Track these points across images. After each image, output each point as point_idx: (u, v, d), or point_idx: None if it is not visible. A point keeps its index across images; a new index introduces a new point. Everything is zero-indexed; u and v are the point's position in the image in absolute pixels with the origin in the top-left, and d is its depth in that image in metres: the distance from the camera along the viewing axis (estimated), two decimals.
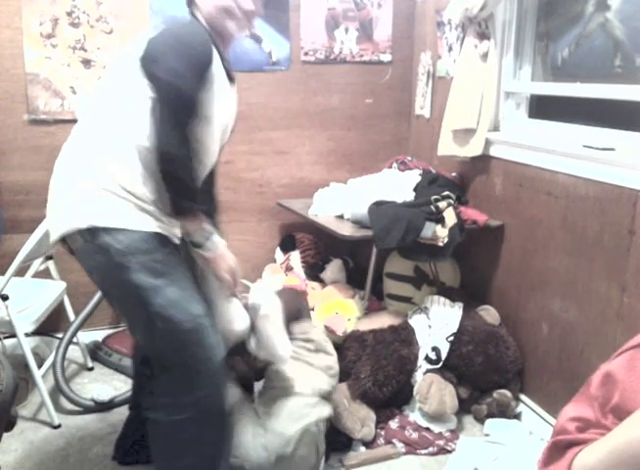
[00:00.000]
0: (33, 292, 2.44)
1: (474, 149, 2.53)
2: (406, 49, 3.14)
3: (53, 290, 2.53)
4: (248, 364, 2.12)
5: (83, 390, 2.55)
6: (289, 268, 2.93)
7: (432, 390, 2.23)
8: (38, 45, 2.67)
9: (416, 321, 2.43)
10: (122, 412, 2.34)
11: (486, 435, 2.26)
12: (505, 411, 2.33)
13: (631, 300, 1.86)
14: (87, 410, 2.41)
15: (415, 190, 2.61)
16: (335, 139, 3.15)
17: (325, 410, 1.97)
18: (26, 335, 2.29)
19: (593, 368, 1.00)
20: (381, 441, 2.22)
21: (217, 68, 1.61)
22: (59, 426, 2.31)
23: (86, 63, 2.75)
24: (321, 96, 3.08)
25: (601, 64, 2.12)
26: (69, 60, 2.72)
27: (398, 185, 2.63)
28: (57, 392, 2.44)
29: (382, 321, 2.43)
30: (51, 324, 2.73)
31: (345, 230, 2.44)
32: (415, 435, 2.23)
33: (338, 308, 2.52)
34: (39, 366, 2.33)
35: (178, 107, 1.49)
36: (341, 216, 2.62)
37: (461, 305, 2.45)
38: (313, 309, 2.60)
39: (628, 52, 2.00)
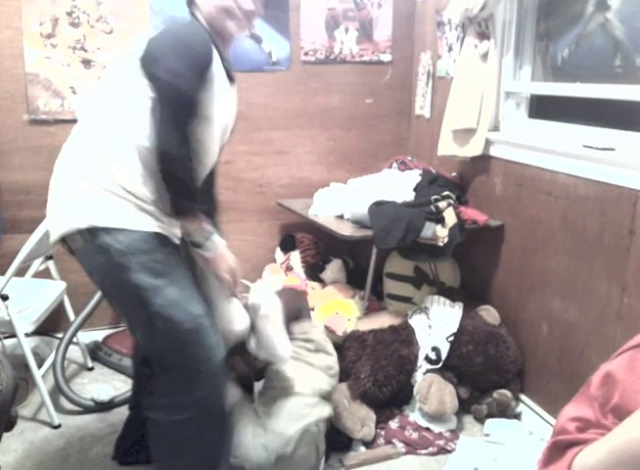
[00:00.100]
0: (33, 292, 2.44)
1: (474, 149, 2.53)
2: (406, 49, 3.14)
3: (53, 290, 2.53)
4: (248, 364, 2.12)
5: (83, 390, 2.55)
6: (289, 268, 2.93)
7: (432, 390, 2.23)
8: (38, 45, 2.67)
9: (416, 321, 2.43)
10: (122, 412, 2.34)
11: (486, 435, 2.26)
12: (505, 411, 2.33)
13: (631, 300, 1.86)
14: (87, 410, 2.41)
15: (415, 190, 2.61)
16: (335, 139, 3.15)
17: (325, 410, 1.97)
18: (26, 335, 2.29)
19: (593, 368, 1.00)
20: (381, 441, 2.22)
21: (217, 68, 1.61)
22: (59, 426, 2.31)
23: (86, 63, 2.75)
24: (321, 96, 3.08)
25: (601, 64, 2.12)
26: (70, 60, 2.72)
27: (398, 185, 2.63)
28: (57, 392, 2.44)
29: (382, 321, 2.43)
30: (51, 324, 2.73)
31: (345, 230, 2.44)
32: (415, 435, 2.23)
33: (338, 308, 2.52)
34: (39, 366, 2.33)
35: (178, 107, 1.49)
36: (341, 216, 2.62)
37: (461, 304, 2.45)
38: (313, 309, 2.60)
39: (628, 52, 2.00)
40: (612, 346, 1.93)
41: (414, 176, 2.70)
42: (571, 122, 2.24)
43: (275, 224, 3.13)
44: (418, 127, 3.16)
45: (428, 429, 2.25)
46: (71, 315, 2.68)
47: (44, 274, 2.61)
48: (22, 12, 2.63)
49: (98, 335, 2.93)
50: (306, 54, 3.01)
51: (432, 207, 2.38)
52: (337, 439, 2.12)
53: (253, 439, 1.86)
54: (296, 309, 2.15)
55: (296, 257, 2.96)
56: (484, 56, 2.46)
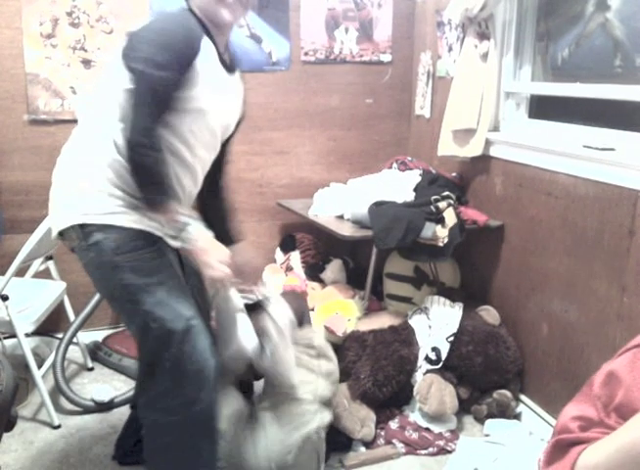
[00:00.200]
0: (33, 292, 2.44)
1: (474, 149, 2.53)
2: (406, 49, 3.14)
3: (53, 290, 2.53)
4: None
5: (83, 390, 2.55)
6: (289, 268, 2.93)
7: (432, 390, 2.23)
8: (38, 45, 2.67)
9: (416, 321, 2.43)
10: (122, 412, 2.34)
11: (486, 435, 2.26)
12: (505, 411, 2.33)
13: (631, 300, 1.86)
14: (87, 410, 2.40)
15: (415, 190, 2.61)
16: (335, 139, 3.15)
17: (325, 417, 1.96)
18: (26, 335, 2.29)
19: (593, 368, 1.00)
20: (381, 441, 2.22)
21: (209, 58, 1.60)
22: (59, 426, 2.31)
23: (86, 63, 2.75)
24: (321, 96, 3.08)
25: (601, 64, 2.12)
26: (70, 60, 2.72)
27: (398, 185, 2.63)
28: (57, 392, 2.44)
29: (382, 321, 2.43)
30: (51, 324, 2.73)
31: (345, 230, 2.44)
32: (415, 435, 2.23)
33: (338, 309, 2.52)
34: (39, 366, 2.33)
35: (149, 96, 1.48)
36: (341, 217, 2.62)
37: (461, 305, 2.45)
38: (313, 310, 2.60)
39: (628, 52, 2.00)
40: (612, 346, 1.93)
41: (414, 176, 2.70)
42: (571, 122, 2.24)
43: (275, 224, 3.13)
44: (418, 127, 3.16)
45: (428, 429, 2.25)
46: (71, 315, 2.68)
47: (44, 274, 2.61)
48: (22, 12, 2.63)
49: (98, 335, 2.93)
50: (306, 54, 3.01)
51: (432, 207, 2.38)
52: (337, 439, 2.12)
53: (254, 447, 1.86)
54: (299, 314, 2.14)
55: (296, 257, 2.96)
56: (484, 56, 2.46)
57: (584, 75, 2.19)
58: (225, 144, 1.86)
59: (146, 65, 1.47)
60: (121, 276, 1.57)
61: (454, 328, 2.32)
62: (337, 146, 3.16)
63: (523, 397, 2.40)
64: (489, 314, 2.44)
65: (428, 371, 2.29)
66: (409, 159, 2.90)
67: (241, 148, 2.94)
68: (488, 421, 2.31)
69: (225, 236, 1.89)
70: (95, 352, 2.82)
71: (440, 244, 2.33)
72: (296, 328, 2.01)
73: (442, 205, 2.39)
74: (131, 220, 1.58)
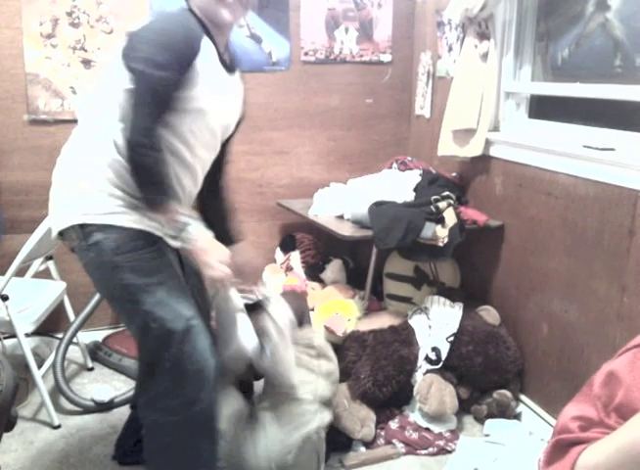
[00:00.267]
0: (33, 292, 2.44)
1: (474, 149, 2.53)
2: (406, 49, 3.14)
3: (53, 290, 2.53)
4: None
5: (83, 390, 2.55)
6: (289, 269, 2.93)
7: (432, 390, 2.23)
8: (38, 45, 2.67)
9: (416, 321, 2.43)
10: (122, 412, 2.34)
11: (486, 435, 2.26)
12: (505, 411, 2.33)
13: (631, 300, 1.86)
14: (87, 410, 2.40)
15: (415, 190, 2.61)
16: (335, 139, 3.15)
17: (325, 417, 1.96)
18: (26, 335, 2.29)
19: (593, 368, 1.00)
20: (381, 441, 2.22)
21: (209, 58, 1.60)
22: (59, 426, 2.31)
23: (86, 63, 2.75)
24: (321, 96, 3.08)
25: (601, 64, 2.12)
26: (70, 60, 2.72)
27: (398, 185, 2.63)
28: (57, 392, 2.44)
29: (382, 321, 2.43)
30: (51, 324, 2.73)
31: (345, 230, 2.44)
32: (415, 435, 2.23)
33: (338, 309, 2.52)
34: (39, 366, 2.33)
35: (148, 96, 1.48)
36: (341, 217, 2.62)
37: (461, 305, 2.45)
38: (313, 310, 2.60)
39: (628, 52, 2.00)
40: (612, 346, 1.93)
41: (414, 176, 2.70)
42: (571, 122, 2.24)
43: (275, 224, 3.13)
44: (418, 127, 3.16)
45: (428, 429, 2.25)
46: (71, 315, 2.68)
47: (44, 274, 2.61)
48: (22, 12, 2.63)
49: (98, 335, 2.93)
50: (306, 54, 3.01)
51: (432, 207, 2.38)
52: (337, 439, 2.12)
53: (254, 447, 1.86)
54: (299, 314, 2.13)
55: (296, 257, 2.96)
56: (484, 56, 2.46)
57: (584, 75, 2.19)
58: (225, 144, 1.86)
59: (146, 65, 1.47)
60: (121, 276, 1.57)
61: (454, 328, 2.32)
62: (337, 146, 3.16)
63: (523, 397, 2.40)
64: (489, 314, 2.44)
65: (428, 371, 2.29)
66: (409, 159, 2.90)
67: (241, 148, 2.94)
68: (488, 421, 2.31)
69: (225, 236, 1.89)
70: (95, 352, 2.82)
71: (440, 244, 2.33)
72: (296, 328, 2.01)
73: (442, 205, 2.39)
74: (131, 220, 1.58)
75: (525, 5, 2.45)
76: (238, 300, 1.84)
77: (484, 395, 2.35)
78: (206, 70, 1.58)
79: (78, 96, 2.75)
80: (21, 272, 2.35)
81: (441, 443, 2.21)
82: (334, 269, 2.87)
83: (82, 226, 1.58)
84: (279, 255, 3.05)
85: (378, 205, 2.44)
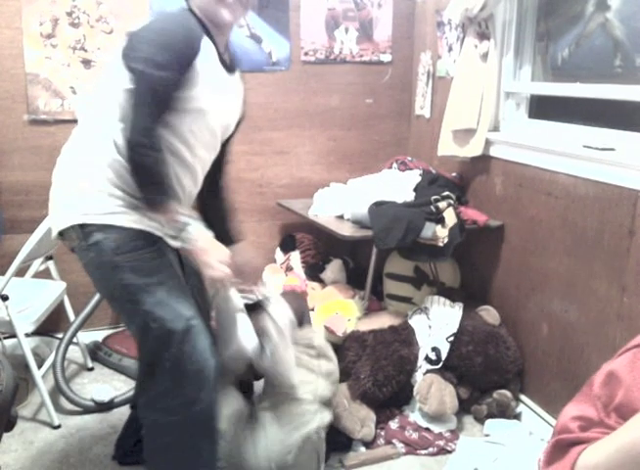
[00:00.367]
0: (33, 292, 2.44)
1: (474, 149, 2.53)
2: (406, 49, 3.14)
3: (53, 290, 2.53)
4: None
5: (83, 390, 2.55)
6: (289, 269, 2.93)
7: (432, 390, 2.23)
8: (38, 45, 2.67)
9: (416, 321, 2.43)
10: (122, 412, 2.34)
11: (486, 435, 2.26)
12: (505, 411, 2.33)
13: (631, 300, 1.86)
14: (87, 410, 2.40)
15: (415, 190, 2.61)
16: (335, 139, 3.15)
17: (325, 417, 1.96)
18: (26, 335, 2.29)
19: (593, 368, 1.00)
20: (381, 441, 2.22)
21: (209, 58, 1.60)
22: (59, 426, 2.31)
23: (86, 63, 2.75)
24: (321, 96, 3.08)
25: (601, 64, 2.12)
26: (70, 60, 2.72)
27: (398, 185, 2.63)
28: (57, 392, 2.44)
29: (382, 321, 2.43)
30: (51, 324, 2.73)
31: (345, 230, 2.44)
32: (415, 435, 2.23)
33: (338, 309, 2.52)
34: (39, 366, 2.33)
35: (148, 96, 1.48)
36: (341, 217, 2.62)
37: (461, 305, 2.45)
38: (313, 310, 2.60)
39: (628, 52, 2.00)
40: (612, 346, 1.93)
41: (414, 176, 2.70)
42: (571, 122, 2.24)
43: (275, 224, 3.13)
44: (418, 127, 3.16)
45: (428, 429, 2.25)
46: (71, 315, 2.68)
47: (44, 274, 2.61)
48: (22, 12, 2.63)
49: (98, 335, 2.93)
50: (306, 54, 3.01)
51: (432, 207, 2.38)
52: (337, 439, 2.12)
53: (254, 447, 1.86)
54: (299, 314, 2.13)
55: (295, 257, 2.96)
56: (484, 56, 2.46)
57: (584, 75, 2.19)
58: (225, 144, 1.86)
59: (146, 65, 1.47)
60: (121, 276, 1.57)
61: (454, 328, 2.32)
62: (337, 146, 3.16)
63: (523, 397, 2.40)
64: (489, 314, 2.44)
65: (428, 371, 2.29)
66: (409, 159, 2.90)
67: (241, 148, 2.94)
68: (488, 421, 2.31)
69: (225, 236, 1.89)
70: (95, 352, 2.82)
71: (440, 244, 2.33)
72: (296, 328, 2.01)
73: (442, 205, 2.39)
74: (131, 220, 1.58)
75: (525, 5, 2.45)
76: (238, 300, 1.84)
77: (484, 395, 2.35)
78: (206, 70, 1.58)
79: (78, 96, 2.75)
80: (21, 272, 2.35)
81: (441, 443, 2.21)
82: (334, 269, 2.87)
83: (82, 226, 1.58)
84: (279, 255, 3.05)
85: (378, 205, 2.44)
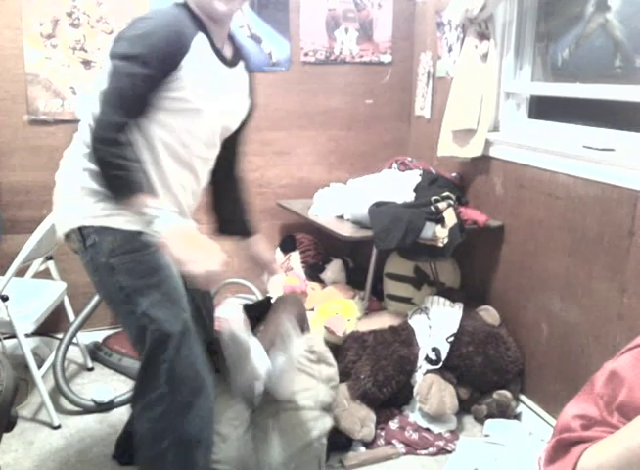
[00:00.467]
0: (33, 292, 2.44)
1: (474, 149, 2.53)
2: (406, 49, 3.14)
3: (53, 290, 2.53)
4: None
5: (83, 390, 2.55)
6: (289, 269, 2.93)
7: (432, 390, 2.23)
8: (38, 45, 2.67)
9: (416, 322, 2.43)
10: (122, 413, 2.34)
11: (486, 435, 2.26)
12: (505, 412, 2.33)
13: (631, 300, 1.86)
14: (87, 411, 2.40)
15: (415, 190, 2.61)
16: (335, 139, 3.15)
17: (327, 423, 1.95)
18: (26, 335, 2.29)
19: (593, 368, 1.00)
20: (381, 441, 2.22)
21: (202, 57, 1.56)
22: (59, 426, 2.31)
23: (86, 63, 2.75)
24: (321, 96, 3.08)
25: (601, 64, 2.12)
26: (70, 60, 2.72)
27: (398, 185, 2.63)
28: (57, 392, 2.44)
29: (382, 322, 2.43)
30: (51, 324, 2.73)
31: (346, 231, 2.44)
32: (415, 435, 2.23)
33: (338, 309, 2.52)
34: (39, 367, 2.33)
35: (117, 91, 1.46)
36: (341, 217, 2.62)
37: (461, 305, 2.45)
38: (313, 310, 2.60)
39: (628, 52, 2.00)
40: (612, 346, 1.93)
41: (414, 177, 2.70)
42: (571, 123, 2.24)
43: (275, 225, 3.13)
44: (418, 128, 3.16)
45: (428, 429, 2.25)
46: (71, 316, 2.68)
47: (44, 275, 2.61)
48: (22, 12, 2.62)
49: (98, 335, 2.93)
50: (306, 54, 3.01)
51: (432, 207, 2.38)
52: (337, 439, 2.12)
53: (256, 455, 1.85)
54: (300, 320, 2.12)
55: (296, 257, 2.96)
56: (484, 56, 2.46)
57: (584, 76, 2.19)
58: (236, 136, 1.83)
59: (120, 60, 1.47)
60: (117, 278, 1.57)
61: (454, 328, 2.32)
62: (337, 146, 3.16)
63: (523, 397, 2.40)
64: (489, 315, 2.44)
65: (428, 371, 2.29)
66: (409, 159, 2.90)
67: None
68: (488, 421, 2.31)
69: (242, 228, 1.90)
70: (95, 352, 2.82)
71: (440, 244, 2.33)
72: (299, 335, 2.01)
73: (442, 205, 2.40)
74: (127, 222, 1.56)
75: (525, 5, 2.45)
76: (244, 333, 1.83)
77: (484, 395, 2.35)
78: (199, 70, 1.55)
79: (78, 96, 2.75)
80: (21, 272, 2.35)
81: (441, 443, 2.21)
82: (334, 269, 2.88)
83: (81, 229, 1.58)
84: (279, 255, 3.05)
85: (378, 205, 2.44)
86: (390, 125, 3.21)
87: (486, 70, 2.45)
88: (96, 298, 2.64)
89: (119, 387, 2.58)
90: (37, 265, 2.56)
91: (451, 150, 2.63)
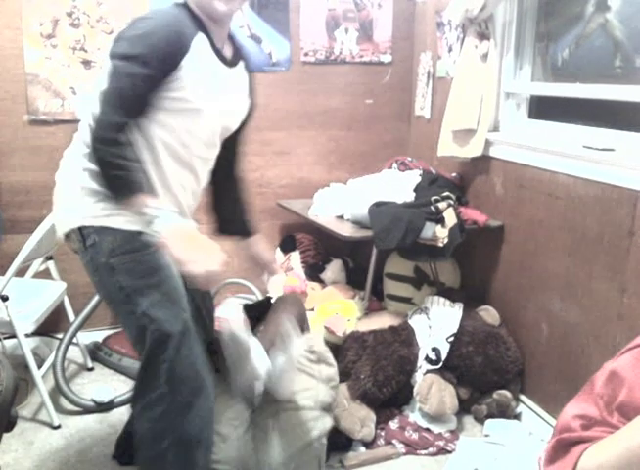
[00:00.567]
0: (33, 292, 2.44)
1: (474, 149, 2.53)
2: (406, 49, 3.14)
3: (53, 290, 2.53)
4: None
5: (83, 390, 2.55)
6: (289, 269, 2.93)
7: (432, 390, 2.23)
8: (38, 45, 2.67)
9: (416, 322, 2.43)
10: (122, 412, 2.34)
11: (486, 435, 2.26)
12: (505, 412, 2.33)
13: (631, 300, 1.86)
14: (87, 411, 2.40)
15: (415, 190, 2.61)
16: (335, 139, 3.15)
17: (327, 423, 1.95)
18: (26, 335, 2.29)
19: (593, 368, 1.00)
20: (381, 441, 2.22)
21: (202, 57, 1.56)
22: (59, 426, 2.31)
23: (86, 63, 2.75)
24: (321, 96, 3.08)
25: (601, 64, 2.12)
26: (70, 60, 2.72)
27: (398, 185, 2.63)
28: (57, 392, 2.44)
29: (382, 322, 2.43)
30: (51, 324, 2.73)
31: (346, 231, 2.44)
32: (415, 435, 2.23)
33: (338, 309, 2.52)
34: (39, 367, 2.33)
35: (117, 91, 1.46)
36: (341, 217, 2.62)
37: (461, 305, 2.45)
38: (313, 310, 2.60)
39: (628, 52, 2.01)
40: (612, 346, 1.93)
41: (414, 177, 2.70)
42: (571, 123, 2.24)
43: (275, 225, 3.13)
44: (418, 128, 3.16)
45: (428, 429, 2.25)
46: (71, 316, 2.68)
47: (44, 275, 2.61)
48: (22, 12, 2.63)
49: (98, 335, 2.93)
50: (306, 54, 3.01)
51: (432, 207, 2.38)
52: (337, 439, 2.12)
53: (256, 455, 1.85)
54: (299, 316, 2.12)
55: (295, 257, 2.96)
56: (484, 56, 2.46)
57: (584, 76, 2.19)
58: (236, 136, 1.83)
59: (120, 60, 1.47)
60: (117, 278, 1.57)
61: (454, 328, 2.32)
62: (337, 146, 3.16)
63: (523, 397, 2.40)
64: (489, 314, 2.44)
65: (428, 371, 2.29)
66: (409, 159, 2.90)
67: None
68: (488, 421, 2.31)
69: (243, 228, 1.90)
70: (95, 352, 2.82)
71: (440, 244, 2.33)
72: (299, 335, 2.01)
73: (442, 205, 2.40)
74: (127, 222, 1.56)
75: (525, 5, 2.45)
76: (244, 333, 1.83)
77: (484, 395, 2.35)
78: (199, 70, 1.55)
79: (78, 96, 2.75)
80: (21, 272, 2.35)
81: (441, 443, 2.21)
82: (334, 269, 2.88)
83: (81, 229, 1.58)
84: (279, 255, 3.05)
85: (378, 205, 2.44)
86: (390, 125, 3.21)
87: (486, 70, 2.45)
88: (96, 298, 2.64)
89: (119, 387, 2.58)
90: (37, 265, 2.56)
91: (451, 150, 2.63)
